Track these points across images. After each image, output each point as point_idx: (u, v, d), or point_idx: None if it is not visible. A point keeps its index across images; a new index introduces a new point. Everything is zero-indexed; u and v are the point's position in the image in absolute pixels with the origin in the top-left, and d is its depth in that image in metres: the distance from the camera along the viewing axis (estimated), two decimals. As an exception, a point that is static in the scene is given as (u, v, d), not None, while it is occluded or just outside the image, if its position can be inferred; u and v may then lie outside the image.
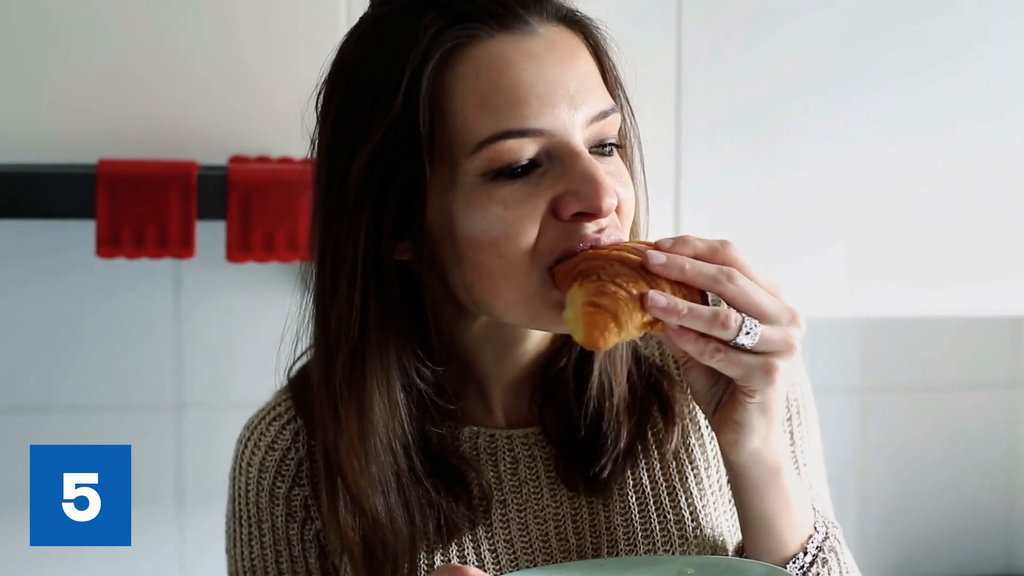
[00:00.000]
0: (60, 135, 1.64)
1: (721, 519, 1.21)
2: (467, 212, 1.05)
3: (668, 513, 1.18)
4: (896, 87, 1.90)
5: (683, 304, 1.00)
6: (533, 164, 1.05)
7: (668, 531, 1.17)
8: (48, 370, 2.00)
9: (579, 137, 1.06)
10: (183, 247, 1.54)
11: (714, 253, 1.03)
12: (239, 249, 1.56)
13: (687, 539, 1.17)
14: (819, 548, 1.13)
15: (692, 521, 1.18)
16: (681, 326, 1.00)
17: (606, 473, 1.18)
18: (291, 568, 1.23)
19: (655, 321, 1.01)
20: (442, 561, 1.16)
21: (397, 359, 1.10)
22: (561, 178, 1.05)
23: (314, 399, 1.15)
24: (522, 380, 1.21)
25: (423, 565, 1.16)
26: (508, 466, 1.20)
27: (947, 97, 1.92)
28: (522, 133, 1.04)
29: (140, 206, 1.52)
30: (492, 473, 1.20)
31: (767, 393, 1.03)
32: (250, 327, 2.12)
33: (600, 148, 1.08)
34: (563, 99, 1.05)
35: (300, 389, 1.23)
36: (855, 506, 2.37)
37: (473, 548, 1.17)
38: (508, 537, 1.18)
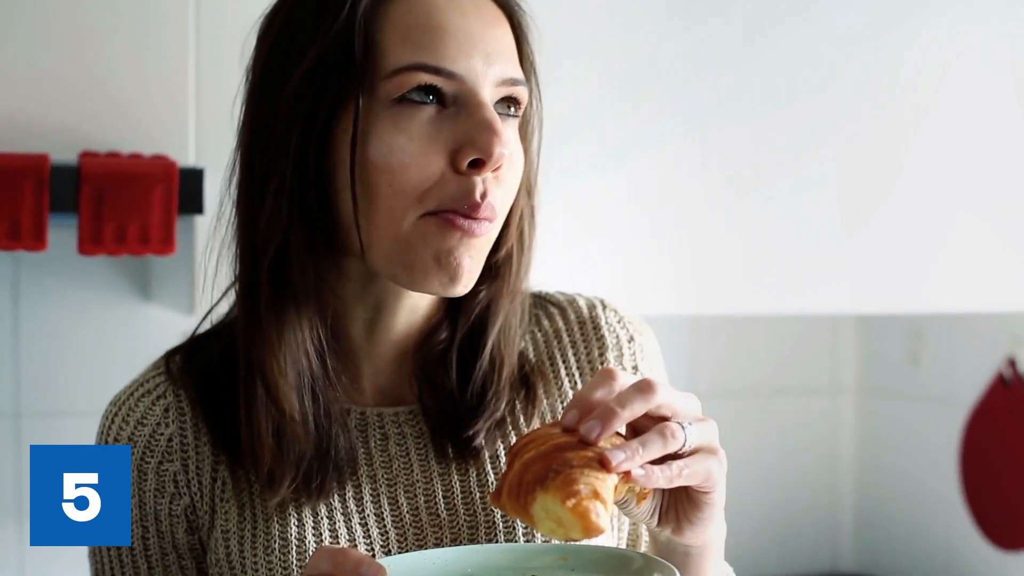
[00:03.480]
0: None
1: None
2: (375, 135, 1.11)
3: None
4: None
5: (634, 443, 0.99)
6: (441, 101, 1.12)
7: None
8: None
9: (487, 91, 1.13)
10: (35, 240, 1.53)
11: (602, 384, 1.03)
12: (91, 242, 1.56)
13: None
14: None
15: None
16: (644, 465, 0.99)
17: (479, 439, 1.22)
18: (157, 543, 1.24)
19: (625, 475, 0.98)
20: (311, 518, 1.19)
21: (315, 269, 1.16)
22: (462, 124, 1.11)
23: (238, 306, 1.20)
24: (395, 360, 1.25)
25: (292, 514, 1.19)
26: (378, 443, 1.23)
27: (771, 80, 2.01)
28: (436, 71, 1.11)
29: (-10, 198, 1.51)
30: (362, 449, 1.22)
31: (722, 483, 1.06)
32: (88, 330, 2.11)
33: (505, 107, 1.15)
34: (480, 53, 1.12)
35: (175, 363, 1.26)
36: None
37: (344, 523, 1.20)
38: (379, 512, 1.21)
